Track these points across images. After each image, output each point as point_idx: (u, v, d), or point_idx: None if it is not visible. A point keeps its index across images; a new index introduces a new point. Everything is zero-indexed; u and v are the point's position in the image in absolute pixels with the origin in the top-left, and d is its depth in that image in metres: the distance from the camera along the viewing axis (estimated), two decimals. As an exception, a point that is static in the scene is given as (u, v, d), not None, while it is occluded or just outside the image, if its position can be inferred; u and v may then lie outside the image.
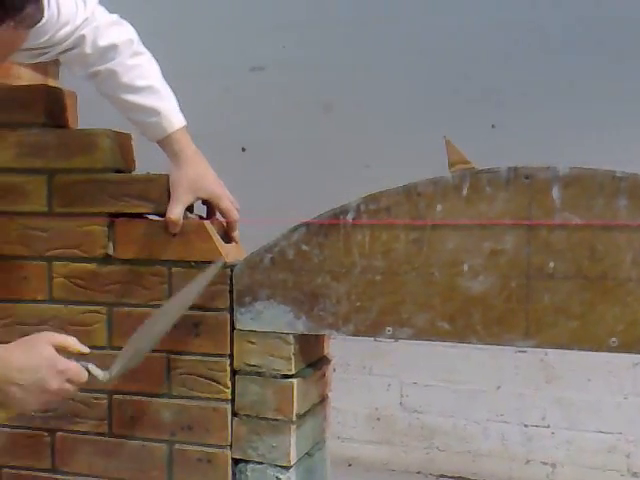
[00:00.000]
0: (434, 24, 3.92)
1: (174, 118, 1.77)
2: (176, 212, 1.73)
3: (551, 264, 1.52)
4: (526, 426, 4.03)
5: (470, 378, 4.06)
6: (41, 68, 1.93)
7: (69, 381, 1.51)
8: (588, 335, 1.51)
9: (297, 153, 4.02)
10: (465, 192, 1.57)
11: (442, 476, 4.13)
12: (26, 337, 1.54)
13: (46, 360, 1.49)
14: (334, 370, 4.00)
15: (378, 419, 4.28)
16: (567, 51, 3.72)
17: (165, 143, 1.78)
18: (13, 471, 1.92)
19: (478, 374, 4.03)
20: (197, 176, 1.77)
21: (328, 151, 4.05)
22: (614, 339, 1.49)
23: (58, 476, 1.89)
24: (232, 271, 1.73)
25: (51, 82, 1.94)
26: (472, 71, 3.86)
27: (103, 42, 1.72)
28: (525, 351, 3.87)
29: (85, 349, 1.57)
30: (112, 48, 1.73)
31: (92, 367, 1.56)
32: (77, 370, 1.52)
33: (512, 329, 1.55)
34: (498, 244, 1.55)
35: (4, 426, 1.92)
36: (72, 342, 1.56)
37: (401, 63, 3.95)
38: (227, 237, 1.83)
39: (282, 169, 4.02)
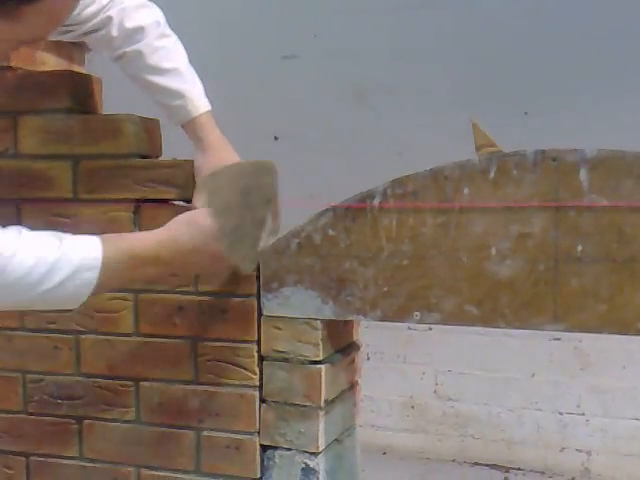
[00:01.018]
0: (468, 10, 3.89)
1: (199, 102, 1.76)
2: (202, 200, 1.72)
3: (579, 247, 1.49)
4: (561, 414, 4.00)
5: (504, 366, 4.04)
6: (66, 54, 1.92)
7: None
8: (616, 318, 1.49)
9: (329, 141, 4.02)
10: (492, 175, 1.55)
11: (476, 464, 4.12)
12: (186, 215, 1.60)
13: (210, 233, 1.56)
14: (368, 358, 4.06)
15: (412, 407, 4.28)
16: (600, 37, 3.67)
17: (189, 127, 1.77)
18: (40, 459, 1.93)
19: (512, 362, 4.01)
20: (220, 162, 1.74)
21: (360, 139, 4.04)
22: (643, 322, 1.47)
23: (85, 463, 1.89)
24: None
25: (76, 68, 1.94)
26: (505, 58, 3.82)
27: (130, 24, 1.71)
28: (559, 338, 3.85)
29: None
30: (139, 30, 1.72)
31: None
32: None
33: (540, 313, 1.53)
34: (526, 227, 1.53)
35: (31, 414, 1.93)
36: None
37: (433, 50, 3.93)
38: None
39: (314, 158, 4.01)
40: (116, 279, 1.50)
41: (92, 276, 1.42)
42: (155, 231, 1.56)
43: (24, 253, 1.36)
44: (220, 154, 1.75)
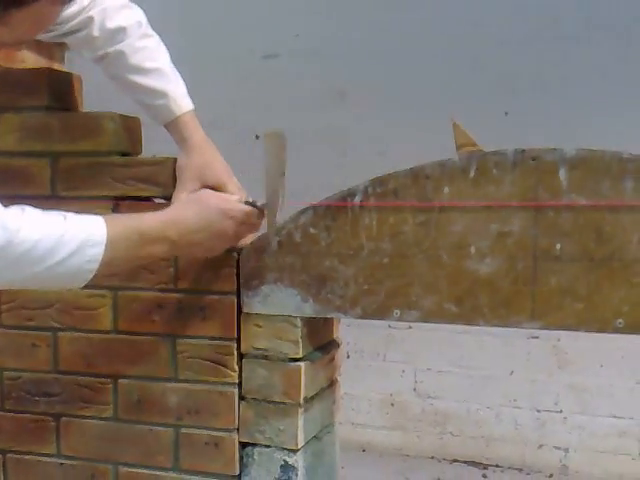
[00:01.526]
0: (447, 10, 3.90)
1: (182, 101, 1.76)
2: (180, 199, 1.71)
3: (558, 246, 1.51)
4: (539, 411, 4.03)
5: (483, 364, 4.06)
6: (46, 52, 1.92)
7: (243, 223, 1.64)
8: (594, 316, 1.50)
9: (311, 141, 4.01)
10: (472, 174, 1.55)
11: (455, 461, 4.15)
12: (191, 196, 1.65)
13: (216, 213, 1.59)
14: (348, 357, 4.07)
15: (392, 405, 4.29)
16: (581, 37, 3.70)
17: (172, 127, 1.76)
18: (17, 456, 1.93)
19: (491, 360, 4.04)
20: (204, 163, 1.73)
21: (342, 138, 4.05)
22: (620, 320, 1.48)
23: (63, 461, 1.89)
24: (239, 254, 1.72)
25: (56, 66, 1.94)
26: (485, 58, 3.84)
27: (111, 24, 1.71)
28: (538, 337, 3.88)
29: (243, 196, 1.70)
30: (120, 30, 1.71)
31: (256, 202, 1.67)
32: (245, 210, 1.65)
33: (519, 311, 1.54)
34: (505, 226, 1.54)
35: (8, 411, 1.92)
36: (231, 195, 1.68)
37: (414, 50, 3.94)
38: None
39: (296, 157, 3.99)
40: (122, 257, 1.49)
41: (97, 252, 1.42)
42: (162, 211, 1.57)
43: (29, 228, 1.36)
44: (204, 153, 1.75)
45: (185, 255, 1.73)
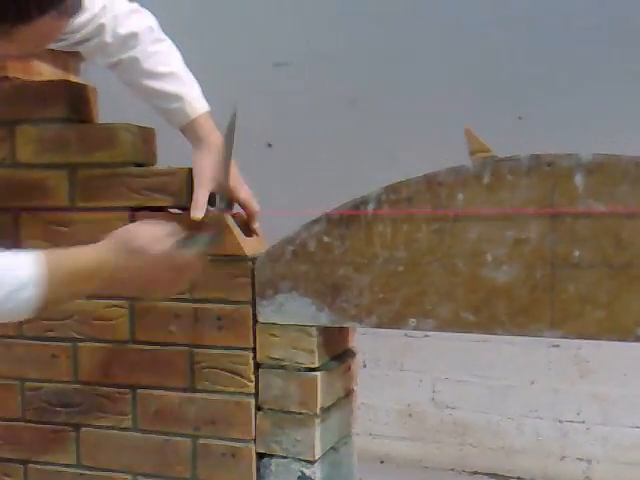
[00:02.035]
0: (459, 16, 3.88)
1: (197, 103, 1.76)
2: (202, 195, 1.71)
3: (576, 253, 1.49)
4: (561, 422, 3.98)
5: (503, 373, 4.02)
6: (62, 64, 1.93)
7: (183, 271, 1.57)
8: (614, 325, 1.48)
9: (323, 148, 4.01)
10: (486, 181, 1.55)
11: (476, 473, 4.10)
12: (120, 234, 1.53)
13: (148, 257, 1.51)
14: (364, 366, 4.06)
15: (410, 415, 4.26)
16: (597, 40, 3.67)
17: (188, 129, 1.77)
18: (38, 466, 1.93)
19: (511, 369, 4.00)
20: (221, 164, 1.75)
21: (353, 146, 4.03)
22: (641, 328, 1.47)
23: (82, 471, 1.89)
24: (254, 264, 1.72)
25: (72, 78, 1.95)
26: (499, 62, 3.82)
27: (123, 30, 1.72)
28: (559, 345, 3.84)
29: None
30: (132, 36, 1.72)
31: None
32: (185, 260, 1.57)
33: (537, 319, 1.53)
34: (521, 233, 1.53)
35: (29, 421, 1.93)
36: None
37: (426, 56, 3.92)
38: (248, 230, 1.82)
39: (308, 164, 4.01)
40: (58, 295, 1.46)
41: (33, 293, 1.39)
42: (94, 246, 1.51)
43: None
44: (221, 154, 1.75)
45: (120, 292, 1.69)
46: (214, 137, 1.77)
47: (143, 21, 1.75)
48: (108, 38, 1.71)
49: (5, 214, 1.88)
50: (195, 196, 1.72)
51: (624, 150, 1.49)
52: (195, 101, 1.76)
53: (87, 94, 1.88)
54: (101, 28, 1.70)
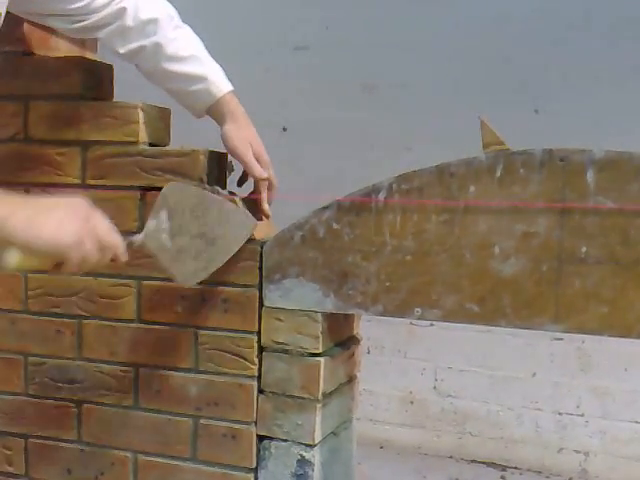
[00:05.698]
0: (478, 5, 3.87)
1: (221, 83, 1.77)
2: (252, 158, 1.77)
3: (583, 248, 1.49)
4: (560, 414, 4.00)
5: (505, 364, 4.04)
6: (79, 40, 1.92)
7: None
8: (618, 321, 1.49)
9: (338, 134, 4.01)
10: (498, 174, 1.55)
11: (474, 461, 4.12)
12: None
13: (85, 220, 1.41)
14: (368, 352, 4.07)
15: (411, 402, 4.27)
16: (614, 35, 3.66)
17: (214, 109, 1.78)
18: (39, 441, 1.94)
19: (513, 361, 4.01)
20: (251, 135, 1.79)
21: (369, 132, 4.03)
22: (644, 325, 1.47)
23: (83, 447, 1.90)
24: (262, 248, 1.73)
25: (88, 54, 1.94)
26: (516, 54, 3.81)
27: (144, 15, 1.72)
28: (561, 339, 3.85)
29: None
30: (153, 22, 1.72)
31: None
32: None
33: (542, 313, 1.53)
34: (530, 227, 1.53)
35: (32, 396, 1.94)
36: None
37: (444, 45, 3.91)
38: (259, 213, 1.82)
39: (323, 149, 4.01)
40: None
41: None
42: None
43: None
44: (249, 126, 1.79)
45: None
46: (241, 111, 1.79)
47: (163, 8, 1.76)
48: (129, 22, 1.71)
49: (16, 189, 1.85)
50: (247, 159, 1.76)
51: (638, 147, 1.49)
52: (219, 81, 1.77)
53: (103, 71, 1.88)
54: (122, 11, 1.70)
